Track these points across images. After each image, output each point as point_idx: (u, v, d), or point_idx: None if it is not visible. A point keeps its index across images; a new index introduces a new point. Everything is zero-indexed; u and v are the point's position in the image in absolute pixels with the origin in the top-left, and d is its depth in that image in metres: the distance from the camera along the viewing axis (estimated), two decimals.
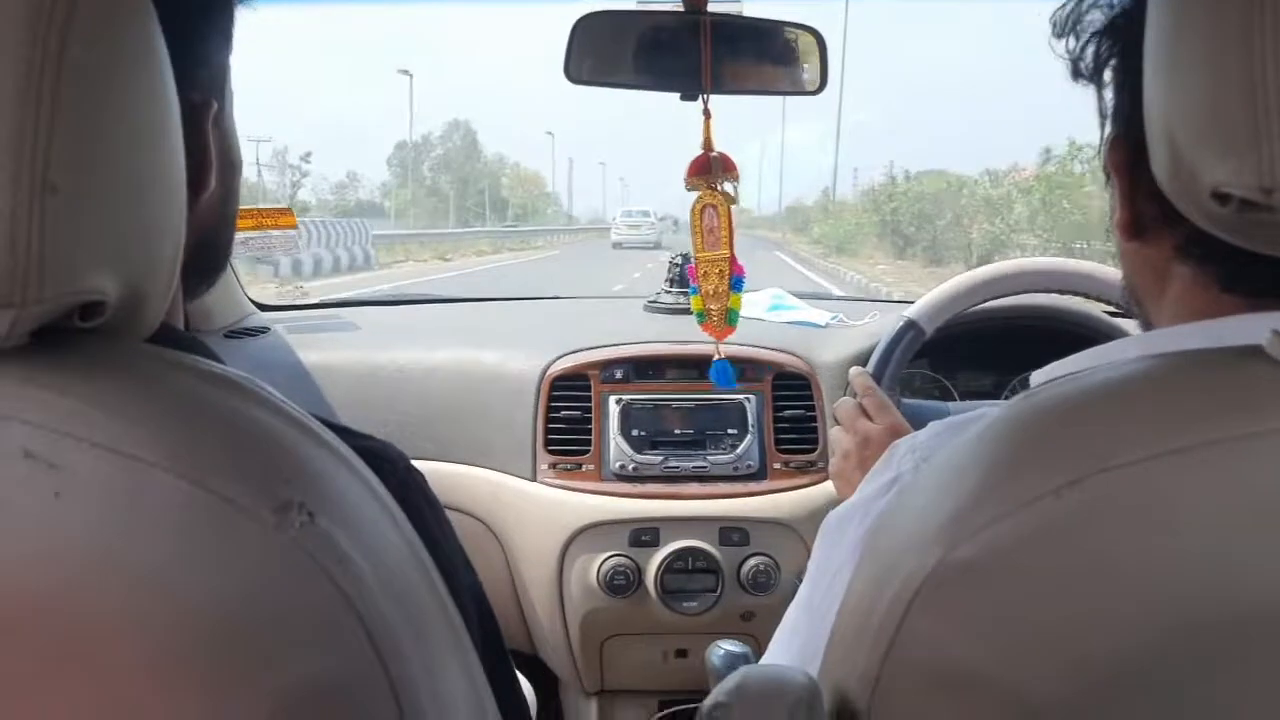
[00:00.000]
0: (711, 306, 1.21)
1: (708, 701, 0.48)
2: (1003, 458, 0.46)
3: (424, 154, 58.08)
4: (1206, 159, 0.43)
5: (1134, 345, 0.55)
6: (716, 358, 1.24)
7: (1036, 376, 0.66)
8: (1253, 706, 0.38)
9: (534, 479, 1.44)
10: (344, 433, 0.51)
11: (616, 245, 30.74)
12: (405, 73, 53.01)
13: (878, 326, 1.55)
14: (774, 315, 1.73)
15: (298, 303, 1.84)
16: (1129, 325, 1.38)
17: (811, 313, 1.73)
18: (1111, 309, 1.34)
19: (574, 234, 45.73)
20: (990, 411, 0.50)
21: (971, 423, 0.51)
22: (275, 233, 1.56)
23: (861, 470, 1.06)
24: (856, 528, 0.69)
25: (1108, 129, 0.57)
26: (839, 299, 1.95)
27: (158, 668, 0.38)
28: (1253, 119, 0.40)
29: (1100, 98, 0.58)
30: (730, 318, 1.23)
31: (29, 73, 0.40)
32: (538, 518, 1.43)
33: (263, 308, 1.77)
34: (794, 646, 0.72)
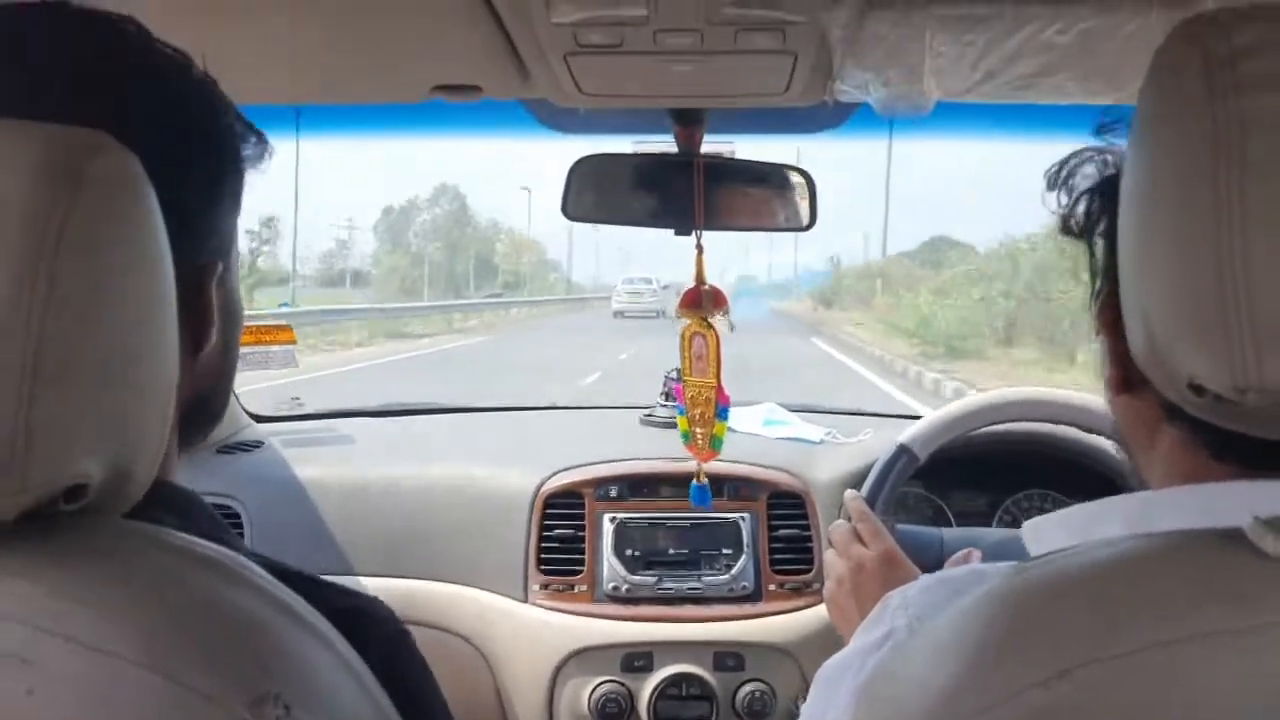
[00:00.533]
0: (697, 430, 1.23)
1: None
2: (991, 641, 0.46)
3: (410, 219, 55.02)
4: (1182, 350, 0.43)
5: (1118, 513, 0.54)
6: (696, 481, 1.24)
7: (1027, 529, 0.66)
8: None
9: (525, 600, 1.43)
10: (332, 590, 0.51)
11: (618, 314, 29.37)
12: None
13: (873, 443, 1.56)
14: (768, 430, 1.74)
15: (293, 413, 1.84)
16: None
17: (805, 428, 1.74)
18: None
19: (566, 303, 42.46)
20: (983, 573, 0.50)
21: (962, 585, 0.51)
22: (274, 348, 1.58)
23: (855, 597, 1.06)
24: (851, 680, 0.68)
25: (1098, 285, 0.58)
26: (830, 412, 1.96)
27: None
28: (1224, 317, 0.41)
29: (1091, 254, 0.58)
30: (714, 443, 1.24)
31: (26, 262, 0.40)
32: (528, 640, 1.41)
33: (258, 419, 1.77)
34: None
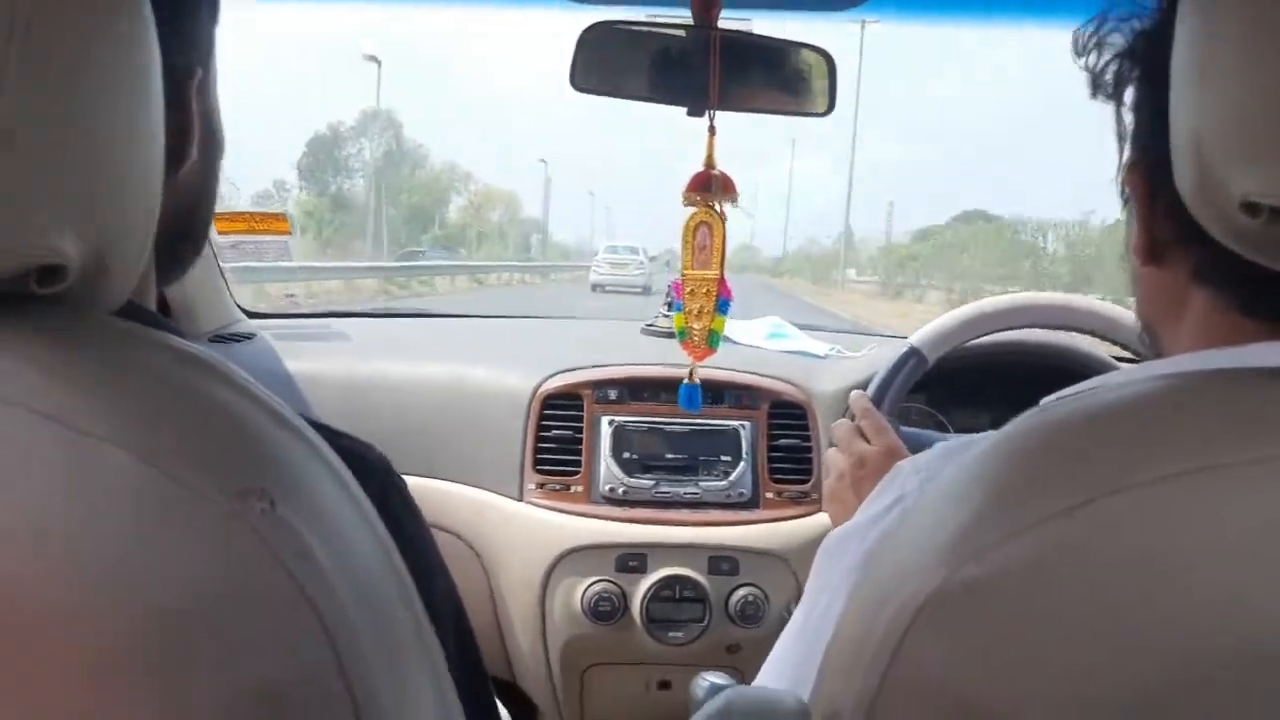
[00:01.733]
0: (694, 325, 1.18)
1: None
2: (1014, 475, 0.44)
3: (335, 152, 42.88)
4: (1237, 169, 0.41)
5: (1148, 369, 0.53)
6: (686, 381, 1.20)
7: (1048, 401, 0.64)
8: None
9: (521, 499, 1.41)
10: (324, 431, 0.48)
11: (596, 288, 25.30)
12: (373, 59, 40.05)
13: (878, 356, 1.52)
14: (772, 344, 1.71)
15: (288, 312, 1.81)
16: None
17: (811, 343, 1.71)
18: (1122, 354, 1.31)
19: (530, 271, 34.45)
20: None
21: (978, 443, 0.48)
22: (268, 238, 1.54)
23: (856, 492, 1.04)
24: (856, 549, 0.66)
25: (1126, 152, 0.56)
26: (837, 331, 1.93)
27: (93, 666, 0.34)
28: None
29: (1119, 119, 0.56)
30: (712, 339, 1.19)
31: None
32: (523, 539, 1.39)
33: (251, 315, 1.74)
34: (785, 674, 0.69)
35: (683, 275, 1.15)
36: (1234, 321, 0.49)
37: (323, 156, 43.59)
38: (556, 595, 1.36)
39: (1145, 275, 0.56)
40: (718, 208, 1.12)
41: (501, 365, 1.52)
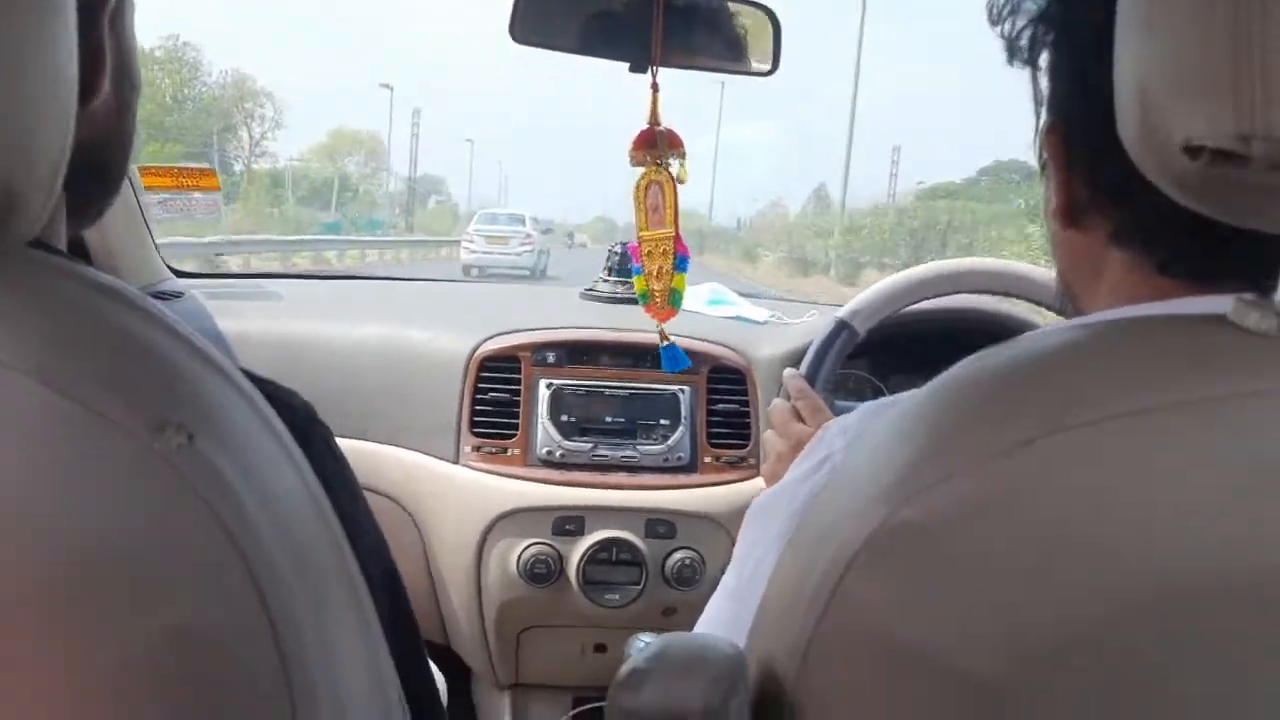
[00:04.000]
0: (655, 287, 1.18)
1: (625, 667, 0.44)
2: (953, 415, 0.44)
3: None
4: (1181, 111, 0.41)
5: (1075, 322, 0.53)
6: (663, 343, 1.20)
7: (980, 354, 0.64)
8: (1205, 682, 0.36)
9: (456, 461, 1.39)
10: (248, 375, 0.47)
11: (468, 270, 19.39)
12: None
13: (817, 323, 1.53)
14: (712, 309, 1.71)
15: (217, 272, 1.75)
16: None
17: (751, 309, 1.71)
18: (1057, 320, 1.33)
19: (400, 247, 25.95)
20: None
21: (903, 401, 0.49)
22: (197, 194, 1.48)
23: None
24: (785, 508, 0.66)
25: (1043, 116, 0.56)
26: (777, 298, 1.94)
27: (6, 605, 0.33)
28: (1233, 65, 0.39)
29: (1035, 83, 0.57)
30: (674, 299, 1.19)
31: None
32: (458, 501, 1.38)
33: (180, 274, 1.68)
34: (717, 634, 0.69)
35: (638, 237, 1.14)
36: (1152, 281, 0.50)
37: None
38: (492, 558, 1.36)
39: (1064, 238, 0.57)
40: (666, 165, 1.12)
41: (438, 327, 1.50)
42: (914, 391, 0.50)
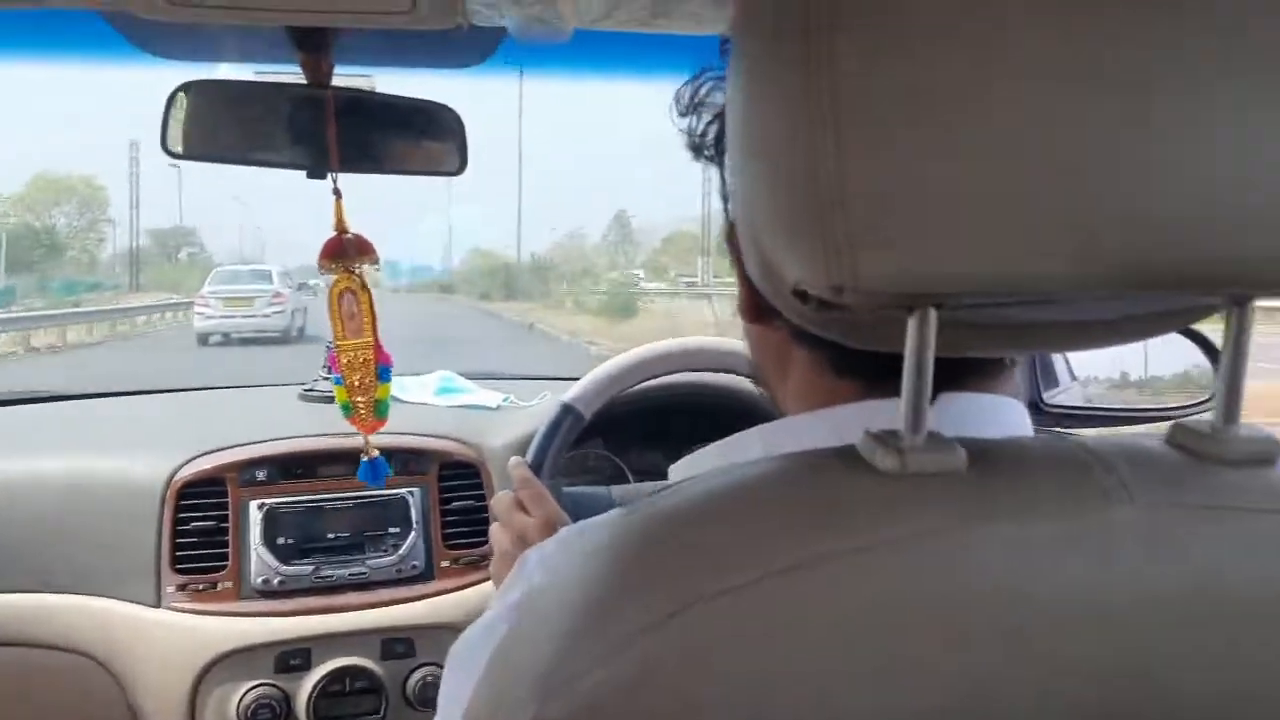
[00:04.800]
0: (358, 399, 1.12)
1: None
2: (612, 583, 0.41)
3: None
4: (785, 256, 0.41)
5: (757, 440, 0.53)
6: (365, 457, 1.13)
7: (674, 471, 0.63)
8: None
9: (159, 604, 1.24)
10: None
11: (204, 339, 16.87)
12: None
13: (549, 406, 1.51)
14: (442, 399, 1.65)
15: None
16: None
17: (483, 395, 1.67)
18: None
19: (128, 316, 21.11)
20: (623, 512, 0.46)
21: (602, 528, 0.46)
22: None
23: None
24: (483, 651, 0.62)
25: (728, 211, 0.56)
26: (514, 378, 1.90)
27: None
28: (818, 216, 0.38)
29: (723, 180, 0.56)
30: (380, 409, 1.13)
31: None
32: (163, 649, 1.23)
33: None
34: None
35: (336, 346, 1.08)
36: (829, 383, 0.50)
37: None
38: (208, 708, 1.22)
39: (752, 333, 0.57)
40: (358, 272, 1.06)
41: (130, 453, 1.34)
42: (609, 518, 0.47)
